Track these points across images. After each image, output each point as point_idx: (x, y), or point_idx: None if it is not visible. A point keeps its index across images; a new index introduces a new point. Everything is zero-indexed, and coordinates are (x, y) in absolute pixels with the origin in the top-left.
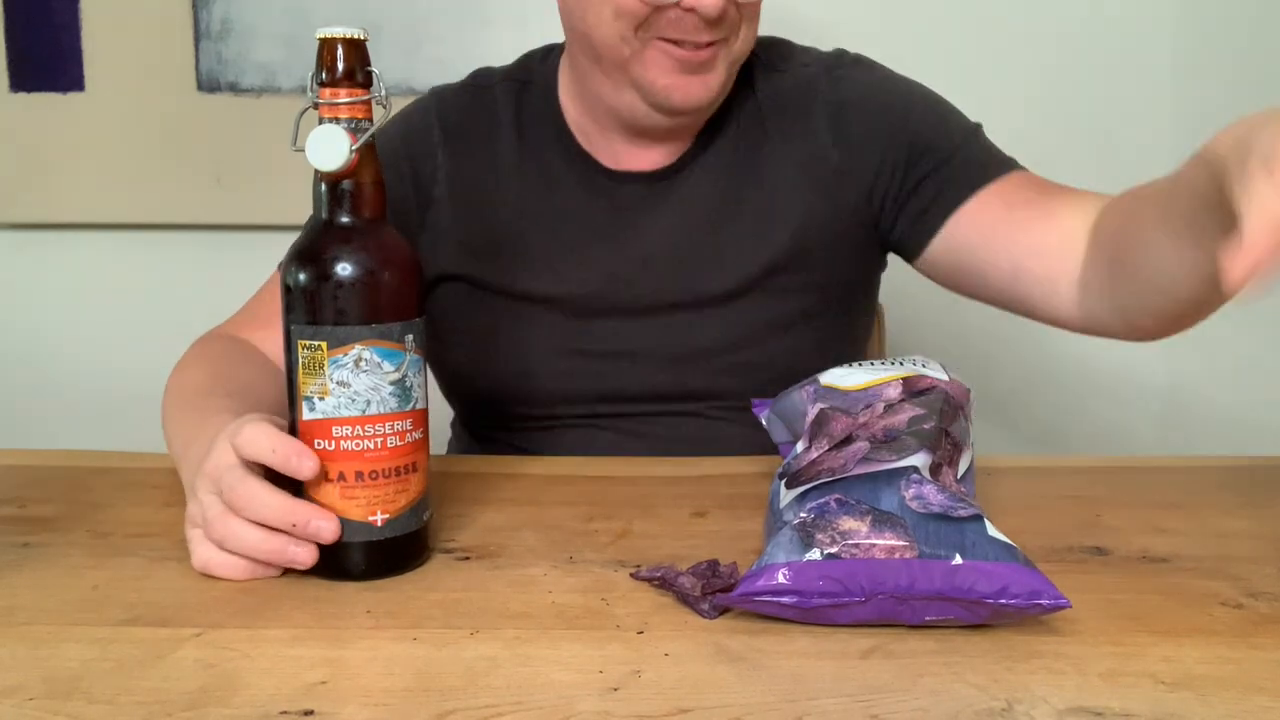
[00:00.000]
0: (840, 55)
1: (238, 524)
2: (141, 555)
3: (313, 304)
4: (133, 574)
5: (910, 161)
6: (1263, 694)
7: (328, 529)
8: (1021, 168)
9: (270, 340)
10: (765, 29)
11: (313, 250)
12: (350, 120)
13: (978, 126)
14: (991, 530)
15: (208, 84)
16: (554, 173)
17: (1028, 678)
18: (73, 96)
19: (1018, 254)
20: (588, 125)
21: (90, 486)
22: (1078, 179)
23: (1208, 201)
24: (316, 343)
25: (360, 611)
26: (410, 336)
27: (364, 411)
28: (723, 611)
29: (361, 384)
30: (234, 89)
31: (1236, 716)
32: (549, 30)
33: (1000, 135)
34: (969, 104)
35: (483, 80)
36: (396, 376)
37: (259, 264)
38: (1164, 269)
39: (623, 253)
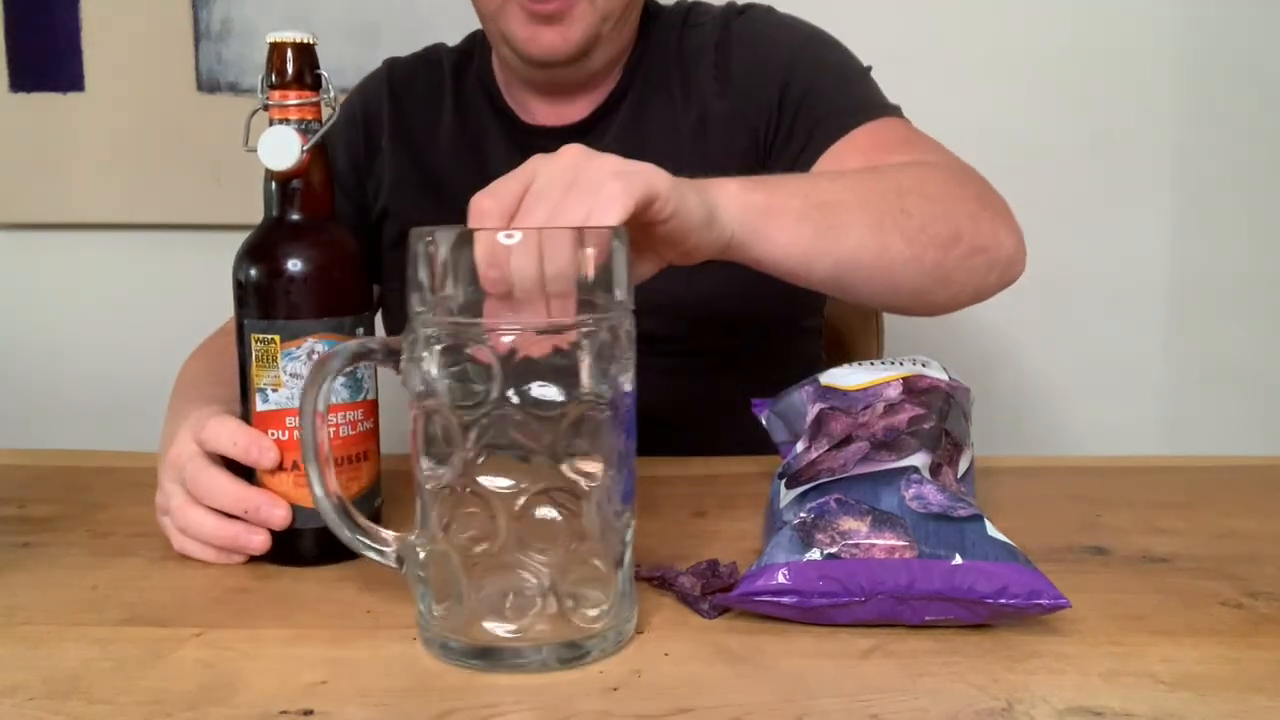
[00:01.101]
0: (733, 5)
1: (196, 512)
2: (141, 555)
3: (266, 299)
4: (133, 574)
5: (785, 103)
6: (1263, 694)
7: (279, 515)
8: (899, 115)
9: None
10: None
11: (265, 246)
12: (300, 121)
13: (865, 70)
14: (991, 530)
15: (208, 84)
16: (482, 128)
17: (1028, 678)
18: (73, 96)
19: None
20: (507, 84)
21: (90, 486)
22: (1078, 179)
23: None
24: (270, 336)
25: (360, 611)
26: (361, 329)
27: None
28: (723, 611)
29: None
30: (234, 89)
31: (1236, 716)
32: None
33: (1000, 135)
34: (969, 103)
35: (433, 54)
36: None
37: None
38: None
39: None
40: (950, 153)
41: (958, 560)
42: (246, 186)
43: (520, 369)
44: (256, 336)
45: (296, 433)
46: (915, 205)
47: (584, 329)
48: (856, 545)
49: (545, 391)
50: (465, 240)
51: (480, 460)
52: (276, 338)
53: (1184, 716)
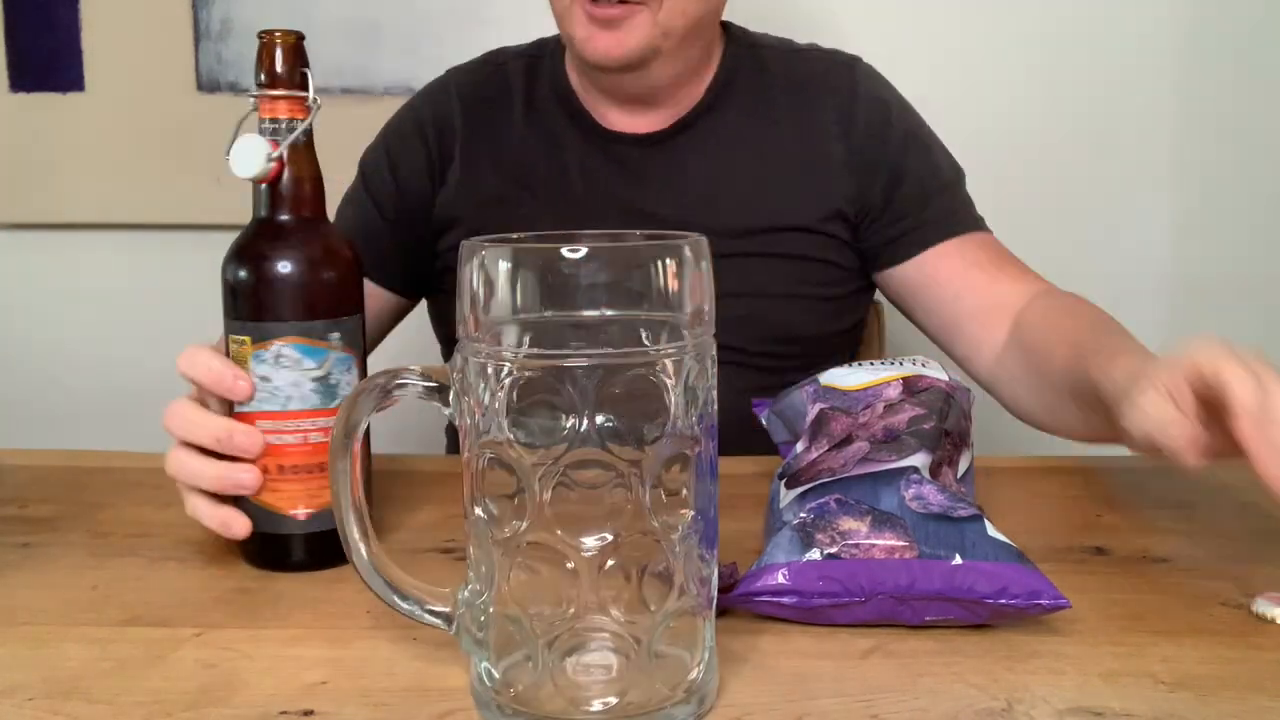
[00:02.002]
0: (856, 61)
1: (180, 454)
2: (141, 555)
3: (238, 300)
4: (133, 574)
5: (894, 187)
6: (1263, 694)
7: (253, 441)
8: (987, 229)
9: None
10: (768, 22)
11: (241, 247)
12: (287, 120)
13: (960, 175)
14: (991, 530)
15: (208, 84)
16: (556, 132)
17: (1028, 678)
18: (73, 96)
19: (959, 311)
20: (583, 88)
21: (90, 486)
22: (1078, 179)
23: (1096, 403)
24: (241, 338)
25: (360, 611)
26: (337, 334)
27: (284, 407)
28: (723, 612)
29: (282, 379)
30: (234, 89)
31: (1236, 716)
32: (548, 30)
33: (1000, 135)
34: (969, 103)
35: (497, 58)
36: (319, 373)
37: None
38: (1060, 405)
39: (617, 208)
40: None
41: (958, 560)
42: (246, 186)
43: (604, 403)
44: (231, 338)
45: (267, 437)
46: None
47: (673, 357)
48: (856, 545)
49: (631, 428)
50: (547, 258)
51: (554, 508)
52: (247, 339)
53: (1184, 716)
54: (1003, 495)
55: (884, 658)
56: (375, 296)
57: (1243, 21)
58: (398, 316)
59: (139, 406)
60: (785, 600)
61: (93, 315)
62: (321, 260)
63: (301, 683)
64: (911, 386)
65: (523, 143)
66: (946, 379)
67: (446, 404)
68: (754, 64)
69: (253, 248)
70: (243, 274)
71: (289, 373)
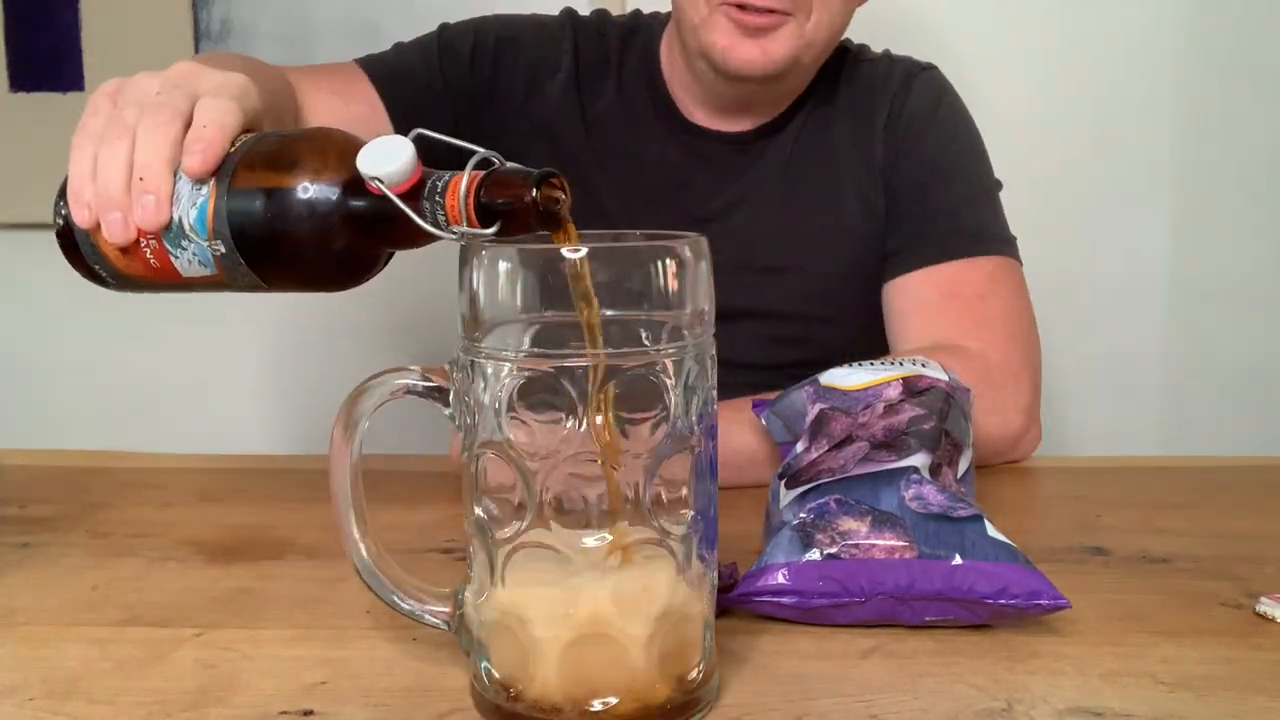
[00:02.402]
0: (920, 65)
1: (116, 145)
2: (141, 555)
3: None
4: (132, 574)
5: (902, 201)
6: (1263, 694)
7: (151, 204)
8: (999, 251)
9: (311, 92)
10: None
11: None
12: (451, 213)
13: (993, 190)
14: (991, 530)
15: None
16: (639, 117)
17: (1028, 678)
18: (73, 96)
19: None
20: (675, 82)
21: (90, 486)
22: (1078, 179)
23: None
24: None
25: (360, 611)
26: (222, 249)
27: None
28: (723, 612)
29: (181, 190)
30: None
31: (1236, 716)
32: None
33: (1000, 136)
34: (969, 103)
35: (604, 23)
36: (185, 228)
37: None
38: None
39: (686, 205)
40: (1015, 316)
41: (958, 560)
42: None
43: (603, 403)
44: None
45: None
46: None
47: (673, 357)
48: (856, 546)
49: (631, 429)
50: (548, 258)
51: (553, 508)
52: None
53: (1184, 717)
54: (1003, 495)
55: (884, 658)
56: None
57: (1244, 21)
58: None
59: (139, 406)
60: (785, 600)
61: (92, 315)
62: (303, 246)
63: (301, 683)
64: (911, 387)
65: (608, 115)
66: (947, 379)
67: (446, 404)
68: (832, 73)
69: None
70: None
71: (187, 193)
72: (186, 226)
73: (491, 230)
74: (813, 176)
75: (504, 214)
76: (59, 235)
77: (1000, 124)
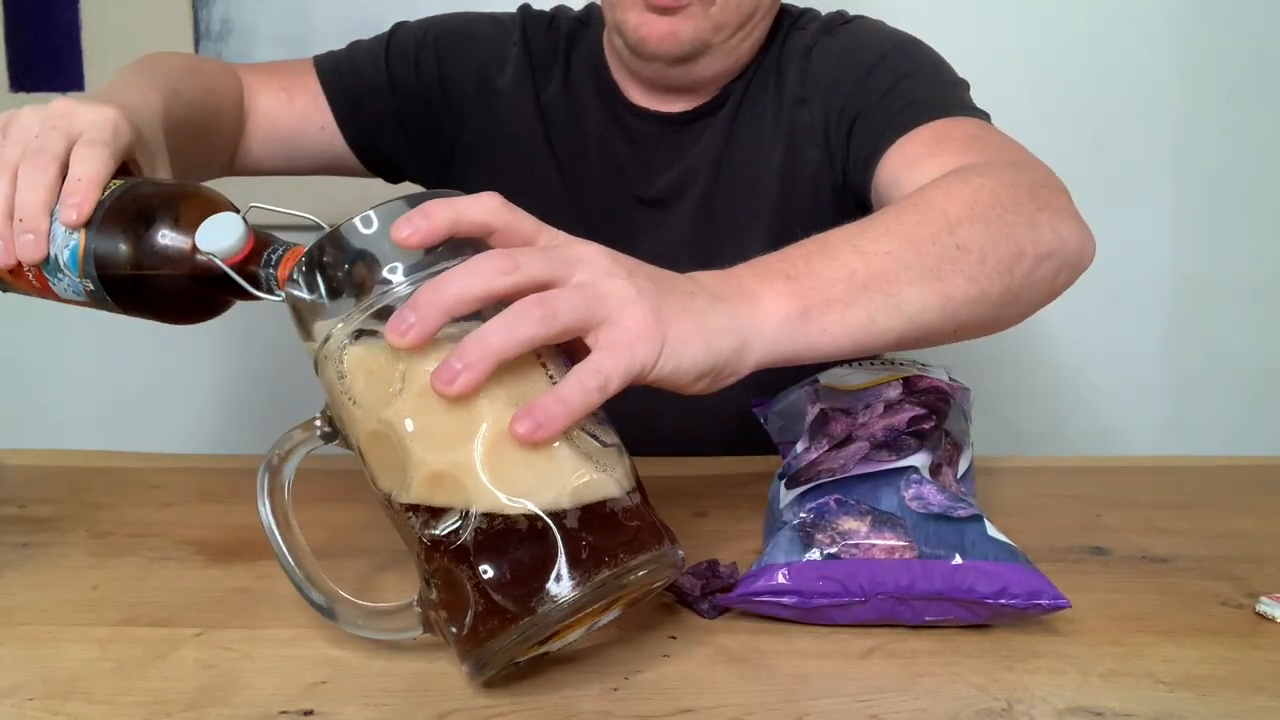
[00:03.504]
0: (840, 14)
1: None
2: (141, 555)
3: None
4: (132, 574)
5: (859, 99)
6: (1263, 694)
7: (30, 243)
8: (979, 116)
9: (259, 89)
10: None
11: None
12: (270, 264)
13: (959, 80)
14: (991, 530)
15: None
16: (584, 102)
17: (1028, 678)
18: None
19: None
20: (617, 71)
21: (90, 486)
22: (1078, 179)
23: None
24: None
25: None
26: (91, 286)
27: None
28: (723, 611)
29: (56, 233)
30: None
31: (1236, 716)
32: None
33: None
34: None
35: (559, 17)
36: (59, 263)
37: None
38: None
39: (630, 188)
40: (1016, 148)
41: (958, 560)
42: (244, 185)
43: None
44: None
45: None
46: (970, 236)
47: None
48: (856, 545)
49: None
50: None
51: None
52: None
53: (1184, 716)
54: (1003, 495)
55: (884, 658)
56: (328, 133)
57: (1243, 21)
58: (345, 167)
59: (139, 406)
60: (785, 600)
61: (92, 315)
62: (154, 286)
63: (301, 683)
64: (912, 387)
65: (555, 102)
66: (947, 379)
67: (334, 436)
68: (777, 46)
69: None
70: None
71: (63, 235)
72: (61, 263)
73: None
74: (746, 156)
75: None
76: None
77: (999, 123)
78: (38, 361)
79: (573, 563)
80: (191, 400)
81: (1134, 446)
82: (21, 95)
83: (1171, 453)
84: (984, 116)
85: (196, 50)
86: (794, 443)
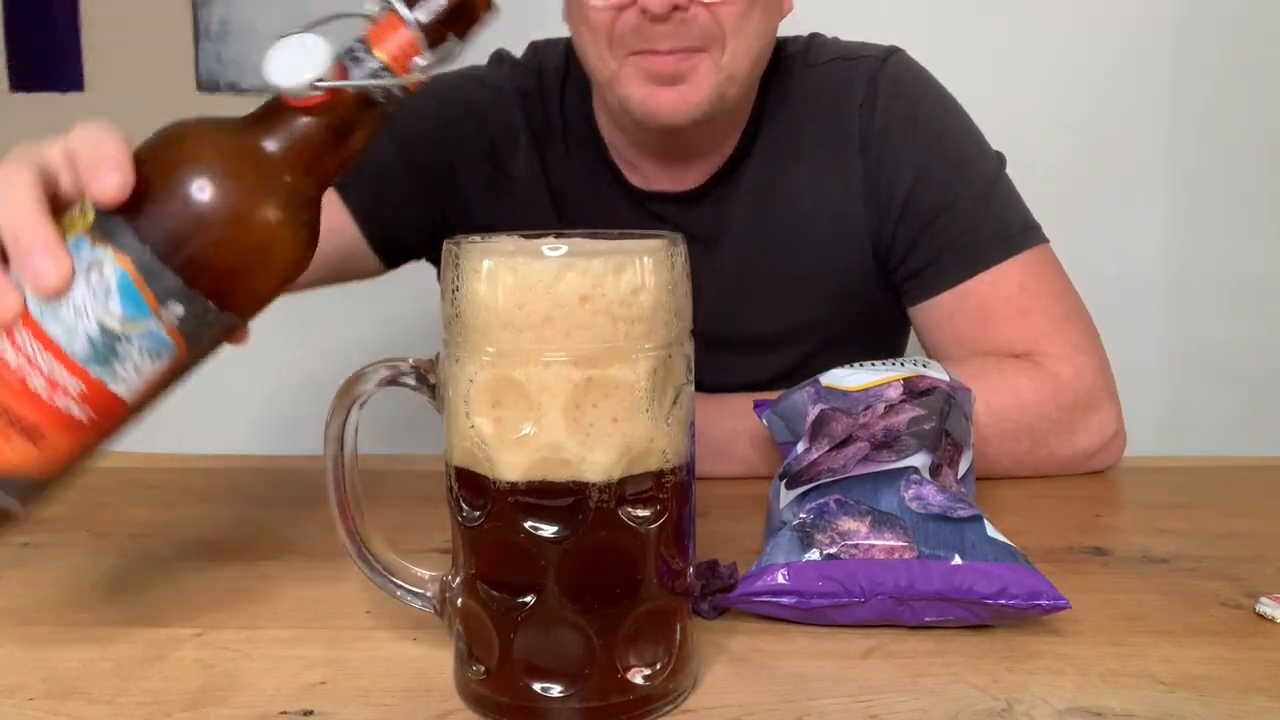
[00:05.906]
0: (879, 56)
1: None
2: (141, 555)
3: (139, 192)
4: (133, 574)
5: (913, 207)
6: (1263, 694)
7: (50, 271)
8: (1032, 238)
9: None
10: None
11: (201, 133)
12: (386, 61)
13: (998, 169)
14: (991, 531)
15: (207, 84)
16: (592, 182)
17: (1028, 678)
18: (73, 96)
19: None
20: (620, 152)
21: (90, 486)
22: (1077, 179)
23: None
24: (87, 204)
25: (360, 611)
26: (181, 309)
27: (45, 327)
28: (722, 612)
29: (75, 297)
30: (234, 89)
31: (1236, 717)
32: (549, 33)
33: (999, 137)
34: (968, 103)
35: (543, 65)
36: (116, 327)
37: None
38: None
39: None
40: (1063, 294)
41: (957, 561)
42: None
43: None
44: (81, 204)
45: (9, 353)
46: (999, 450)
47: (649, 355)
48: (856, 546)
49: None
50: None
51: (520, 497)
52: (91, 213)
53: (1184, 716)
54: (1003, 495)
55: (884, 658)
56: (343, 234)
57: (1240, 22)
58: (353, 268)
59: None
60: (785, 600)
61: None
62: (257, 223)
63: (301, 683)
64: (912, 387)
65: (566, 184)
66: (948, 380)
67: (433, 395)
68: (780, 92)
69: (215, 146)
70: (169, 163)
71: (88, 296)
72: (113, 324)
73: (451, 45)
74: (782, 220)
75: (448, 16)
76: None
77: (997, 125)
78: None
79: None
80: (191, 401)
81: (1133, 447)
82: (21, 95)
83: (1171, 453)
84: (1032, 233)
85: (196, 50)
86: (794, 443)
